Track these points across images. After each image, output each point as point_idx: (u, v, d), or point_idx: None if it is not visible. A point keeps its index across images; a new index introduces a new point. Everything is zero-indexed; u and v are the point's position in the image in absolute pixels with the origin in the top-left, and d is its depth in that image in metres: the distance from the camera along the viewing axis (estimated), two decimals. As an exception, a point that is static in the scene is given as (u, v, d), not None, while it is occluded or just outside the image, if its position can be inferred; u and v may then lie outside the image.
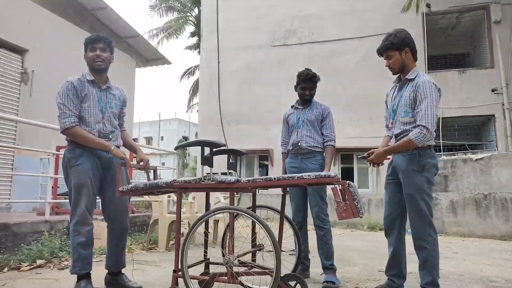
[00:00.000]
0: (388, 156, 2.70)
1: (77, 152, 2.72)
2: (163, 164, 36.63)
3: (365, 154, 2.60)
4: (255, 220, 2.36)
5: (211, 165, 2.48)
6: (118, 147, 2.89)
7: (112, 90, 2.99)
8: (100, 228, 4.70)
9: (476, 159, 9.74)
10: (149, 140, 36.81)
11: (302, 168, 3.32)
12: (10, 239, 3.86)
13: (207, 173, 2.50)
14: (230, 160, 2.90)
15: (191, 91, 24.34)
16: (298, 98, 3.62)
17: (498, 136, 11.95)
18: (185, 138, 34.32)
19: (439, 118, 12.26)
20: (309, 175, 2.38)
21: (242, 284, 2.45)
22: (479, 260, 4.54)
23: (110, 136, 2.85)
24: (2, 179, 7.61)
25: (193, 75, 22.44)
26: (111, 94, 2.97)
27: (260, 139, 13.30)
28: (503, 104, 11.84)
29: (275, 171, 13.09)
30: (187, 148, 34.82)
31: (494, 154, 9.75)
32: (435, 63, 13.29)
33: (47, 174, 7.03)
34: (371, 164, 2.59)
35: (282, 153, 3.67)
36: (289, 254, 4.52)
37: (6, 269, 3.43)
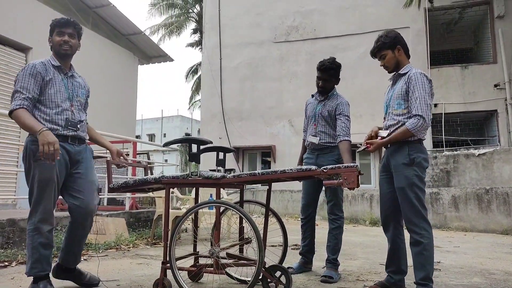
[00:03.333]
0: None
1: None
2: (166, 161, 36.88)
3: (363, 145, 2.61)
4: (240, 214, 2.43)
5: (198, 162, 2.56)
6: (84, 140, 2.72)
7: (76, 78, 2.77)
8: (105, 224, 4.78)
9: (479, 154, 9.75)
10: (151, 137, 36.95)
11: (318, 165, 3.30)
12: (17, 234, 3.93)
13: (194, 170, 2.57)
14: (219, 157, 2.98)
15: (193, 88, 24.40)
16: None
17: (500, 131, 11.94)
18: (188, 135, 34.51)
19: (442, 113, 12.28)
20: (291, 169, 2.45)
21: (228, 275, 2.63)
22: (479, 254, 4.58)
23: (78, 126, 2.64)
24: (7, 176, 7.69)
25: (196, 73, 22.48)
26: (76, 81, 2.75)
27: (262, 136, 13.34)
28: (505, 100, 11.83)
29: (277, 167, 13.15)
30: (190, 144, 34.95)
31: (496, 149, 9.76)
32: (438, 59, 13.26)
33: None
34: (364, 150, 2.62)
35: (303, 139, 3.64)
36: (292, 248, 4.59)
37: (14, 263, 3.50)
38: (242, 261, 2.71)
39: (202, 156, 2.65)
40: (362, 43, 12.76)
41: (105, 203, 7.01)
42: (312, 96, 3.60)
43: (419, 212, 2.44)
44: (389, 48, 2.64)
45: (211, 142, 2.76)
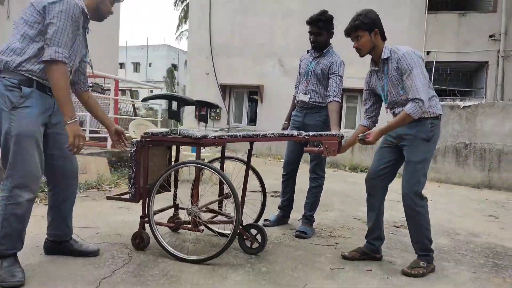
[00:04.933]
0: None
1: (26, 91, 2.01)
2: (151, 92, 36.20)
3: (361, 136, 2.46)
4: (218, 174, 2.42)
5: (178, 119, 2.50)
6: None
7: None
8: (86, 163, 4.77)
9: (464, 107, 9.83)
10: (136, 65, 35.79)
11: (304, 124, 3.32)
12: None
13: (174, 128, 2.51)
14: (202, 112, 2.91)
15: (181, 17, 23.29)
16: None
17: (488, 84, 11.94)
18: (174, 66, 33.51)
19: (433, 62, 12.11)
20: (273, 134, 2.42)
21: (207, 227, 2.74)
22: (449, 210, 4.80)
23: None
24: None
25: (185, 0, 21.27)
26: (85, 39, 2.37)
27: (251, 74, 13.06)
28: (498, 52, 11.67)
29: (264, 107, 13.08)
30: (176, 76, 34.29)
31: (481, 103, 9.82)
32: (436, 3, 12.74)
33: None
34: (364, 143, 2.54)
35: (293, 95, 3.57)
36: (271, 196, 4.71)
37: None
38: (220, 219, 2.77)
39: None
40: (361, -19, 12.10)
41: (87, 139, 6.96)
42: (308, 52, 3.46)
43: (419, 188, 2.49)
44: (367, 30, 2.48)
45: (193, 101, 2.67)
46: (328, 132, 2.37)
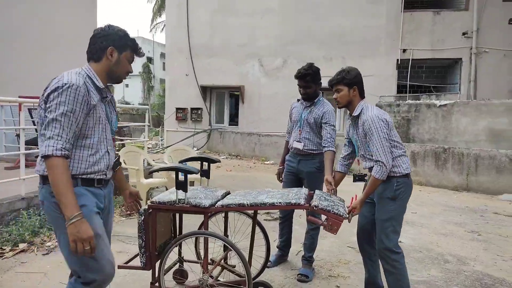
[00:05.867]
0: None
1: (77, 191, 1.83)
2: (127, 86, 35.35)
3: (347, 213, 2.55)
4: (229, 245, 2.47)
5: (185, 190, 2.50)
6: (107, 180, 2.05)
7: (111, 100, 2.10)
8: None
9: (440, 105, 10.18)
10: (110, 59, 34.48)
11: (299, 170, 3.44)
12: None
13: (181, 198, 2.52)
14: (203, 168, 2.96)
15: (155, 9, 22.71)
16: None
17: (462, 80, 12.35)
18: (149, 59, 32.72)
19: (409, 59, 12.39)
20: (280, 203, 2.47)
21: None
22: (434, 228, 5.03)
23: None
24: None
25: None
26: (112, 105, 2.12)
27: (232, 75, 13.00)
28: (471, 48, 12.05)
29: (246, 108, 13.10)
30: (152, 71, 33.56)
31: (456, 102, 10.18)
32: (411, 2, 12.96)
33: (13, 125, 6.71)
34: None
35: (286, 141, 3.72)
36: (264, 219, 4.79)
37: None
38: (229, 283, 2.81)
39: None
40: (338, -19, 12.15)
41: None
42: (298, 100, 3.56)
43: (392, 245, 2.61)
44: (346, 85, 2.68)
45: (198, 171, 2.68)
46: (336, 212, 2.44)
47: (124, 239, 4.14)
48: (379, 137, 2.54)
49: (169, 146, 13.19)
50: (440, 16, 12.29)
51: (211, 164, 3.12)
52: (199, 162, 3.03)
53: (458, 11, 12.29)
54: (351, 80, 2.67)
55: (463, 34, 12.10)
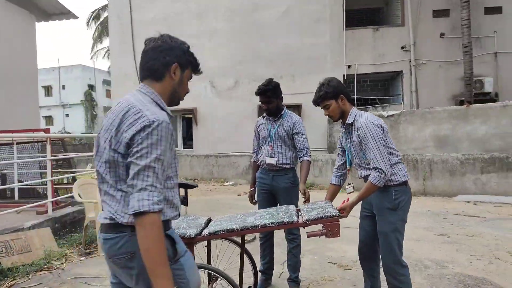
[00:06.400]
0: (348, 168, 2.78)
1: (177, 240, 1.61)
2: (67, 116, 33.43)
3: (338, 212, 2.50)
4: (224, 278, 2.28)
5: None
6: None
7: None
8: (28, 239, 4.24)
9: (388, 116, 10.65)
10: (48, 89, 32.64)
11: (273, 186, 3.34)
12: None
13: None
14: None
15: (95, 36, 21.97)
16: None
17: (404, 91, 13.04)
18: (91, 87, 31.33)
19: (354, 74, 12.92)
20: (272, 223, 2.31)
21: None
22: (406, 234, 5.06)
23: None
24: None
25: (99, 18, 20.10)
26: None
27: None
28: (410, 61, 12.81)
29: (200, 130, 12.84)
30: (94, 98, 32.17)
31: (403, 112, 10.72)
32: (352, 20, 13.63)
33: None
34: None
35: (252, 161, 3.60)
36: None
37: None
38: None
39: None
40: (283, 1, 12.48)
41: (17, 197, 6.17)
42: (263, 117, 3.50)
43: (398, 259, 2.52)
44: (333, 98, 2.59)
45: (181, 200, 2.45)
46: (328, 214, 2.33)
47: (89, 281, 3.71)
48: (376, 143, 2.43)
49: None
50: (380, 33, 13.00)
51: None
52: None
53: (395, 27, 13.05)
54: (334, 91, 2.58)
55: (402, 48, 12.85)
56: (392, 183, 2.50)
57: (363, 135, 2.47)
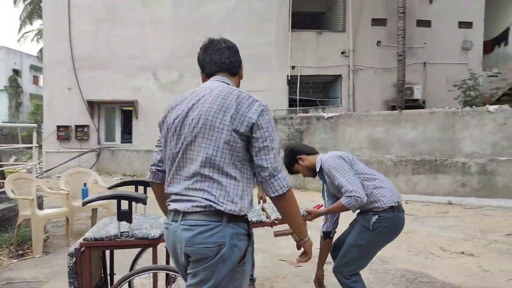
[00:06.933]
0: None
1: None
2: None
3: (305, 213, 2.55)
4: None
5: (129, 221, 2.15)
6: None
7: None
8: None
9: (328, 118, 11.08)
10: (-37, 72, 29.11)
11: None
12: None
13: (125, 231, 2.16)
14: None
15: (23, 17, 20.15)
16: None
17: (342, 94, 13.66)
18: (16, 72, 28.52)
19: (298, 75, 13.26)
20: None
21: None
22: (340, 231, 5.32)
23: None
24: None
25: (26, -3, 18.46)
26: None
27: (123, 89, 12.15)
28: (349, 66, 13.44)
29: (141, 123, 12.34)
30: (20, 85, 29.39)
31: (341, 114, 11.21)
32: (298, 22, 13.94)
33: None
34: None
35: None
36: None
37: None
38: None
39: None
40: (231, -3, 12.42)
41: None
42: None
43: (343, 269, 2.55)
44: (295, 163, 2.70)
45: (145, 199, 2.31)
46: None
47: (24, 286, 3.39)
48: (340, 172, 2.47)
49: (50, 169, 11.66)
50: (323, 36, 13.46)
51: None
52: (133, 186, 2.64)
53: (337, 32, 13.60)
54: (291, 160, 2.69)
55: (342, 53, 13.43)
56: (375, 210, 2.49)
57: (327, 170, 2.56)
